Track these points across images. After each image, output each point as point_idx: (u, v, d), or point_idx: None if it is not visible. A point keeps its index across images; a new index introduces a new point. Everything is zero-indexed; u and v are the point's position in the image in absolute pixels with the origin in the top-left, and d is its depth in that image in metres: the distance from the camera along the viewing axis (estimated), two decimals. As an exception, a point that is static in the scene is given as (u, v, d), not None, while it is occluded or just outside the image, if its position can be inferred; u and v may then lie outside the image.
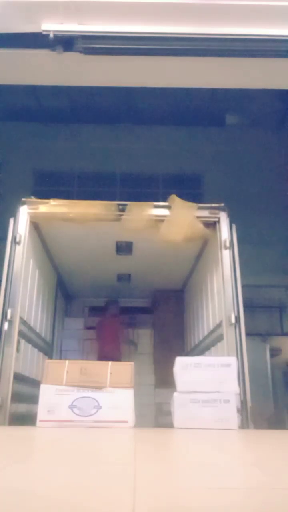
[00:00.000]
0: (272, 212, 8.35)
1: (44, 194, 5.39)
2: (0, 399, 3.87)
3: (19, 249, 4.49)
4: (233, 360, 3.89)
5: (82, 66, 4.58)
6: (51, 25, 4.25)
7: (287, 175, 8.64)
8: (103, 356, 6.42)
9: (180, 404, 3.72)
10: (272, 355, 7.07)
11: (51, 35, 4.25)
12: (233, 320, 4.23)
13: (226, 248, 4.57)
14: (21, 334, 4.41)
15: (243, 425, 3.76)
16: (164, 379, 5.38)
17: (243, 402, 3.85)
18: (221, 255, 4.59)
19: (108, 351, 6.62)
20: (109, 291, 7.42)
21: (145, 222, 4.73)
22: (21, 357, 4.52)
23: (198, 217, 4.75)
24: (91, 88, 7.01)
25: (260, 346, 6.94)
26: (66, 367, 3.90)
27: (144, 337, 7.53)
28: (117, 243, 5.56)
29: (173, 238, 4.74)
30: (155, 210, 4.80)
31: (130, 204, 4.77)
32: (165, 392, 4.84)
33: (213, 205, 4.80)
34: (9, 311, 4.18)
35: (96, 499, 1.17)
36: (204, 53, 4.47)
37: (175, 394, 3.78)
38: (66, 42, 4.35)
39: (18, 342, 4.29)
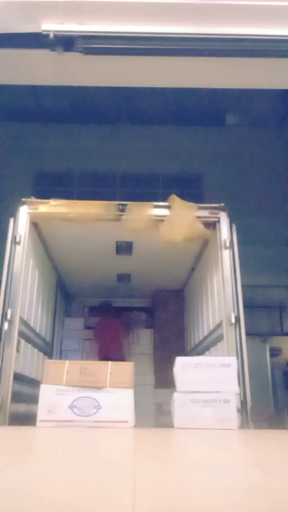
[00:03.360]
0: (272, 212, 8.35)
1: (44, 194, 5.40)
2: (0, 399, 3.87)
3: (19, 249, 4.49)
4: (233, 360, 3.89)
5: (82, 66, 4.58)
6: (51, 25, 4.26)
7: (287, 175, 8.64)
8: (105, 357, 6.41)
9: (180, 404, 3.72)
10: (272, 355, 7.07)
11: (51, 35, 4.25)
12: (233, 320, 4.23)
13: (226, 248, 4.57)
14: (21, 334, 4.41)
15: (243, 425, 3.76)
16: (164, 379, 5.38)
17: (243, 402, 3.84)
18: (221, 255, 4.59)
19: (109, 352, 6.60)
20: (109, 291, 7.42)
21: (145, 222, 4.73)
22: (21, 357, 4.51)
23: (198, 217, 4.75)
24: (91, 88, 7.02)
25: (260, 346, 6.94)
26: (66, 367, 3.90)
27: (144, 337, 7.53)
28: (117, 243, 5.55)
29: (173, 238, 4.74)
30: (155, 210, 4.80)
31: (130, 204, 4.77)
32: (165, 392, 4.84)
33: (213, 205, 4.80)
34: (9, 311, 4.18)
35: (96, 500, 1.17)
36: (204, 53, 4.47)
37: (175, 394, 3.78)
38: (66, 42, 4.35)
39: (18, 342, 4.29)
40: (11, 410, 3.92)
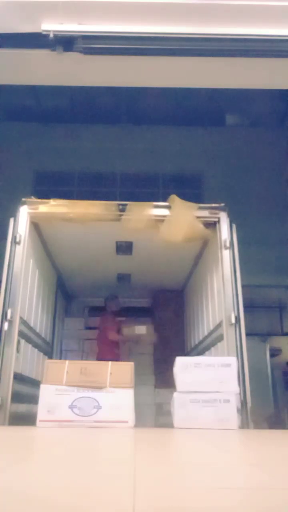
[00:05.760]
0: (272, 212, 8.35)
1: (44, 194, 5.39)
2: (0, 399, 3.87)
3: (19, 249, 4.49)
4: (233, 360, 3.89)
5: (82, 66, 4.58)
6: (51, 25, 4.26)
7: (287, 175, 8.64)
8: (98, 357, 6.30)
9: (180, 404, 3.72)
10: (272, 355, 7.08)
11: (51, 35, 4.25)
12: (233, 320, 4.23)
13: (226, 248, 4.57)
14: (21, 334, 4.41)
15: (243, 425, 3.76)
16: (164, 379, 5.37)
17: (243, 402, 3.85)
18: (221, 255, 4.59)
19: (103, 352, 6.35)
20: (109, 291, 7.41)
21: (145, 222, 4.73)
22: (21, 357, 4.51)
23: (198, 217, 4.75)
24: (91, 88, 7.01)
25: (260, 346, 6.95)
26: (66, 367, 3.90)
27: (144, 337, 7.50)
28: (117, 243, 5.55)
29: (173, 238, 4.74)
30: (155, 210, 4.80)
31: (130, 204, 4.77)
32: (165, 392, 4.84)
33: (213, 205, 4.80)
34: (9, 311, 4.18)
35: (96, 500, 1.17)
36: (204, 53, 4.47)
37: (175, 394, 3.78)
38: (66, 42, 4.36)
39: (18, 342, 4.29)
40: (11, 410, 3.92)
